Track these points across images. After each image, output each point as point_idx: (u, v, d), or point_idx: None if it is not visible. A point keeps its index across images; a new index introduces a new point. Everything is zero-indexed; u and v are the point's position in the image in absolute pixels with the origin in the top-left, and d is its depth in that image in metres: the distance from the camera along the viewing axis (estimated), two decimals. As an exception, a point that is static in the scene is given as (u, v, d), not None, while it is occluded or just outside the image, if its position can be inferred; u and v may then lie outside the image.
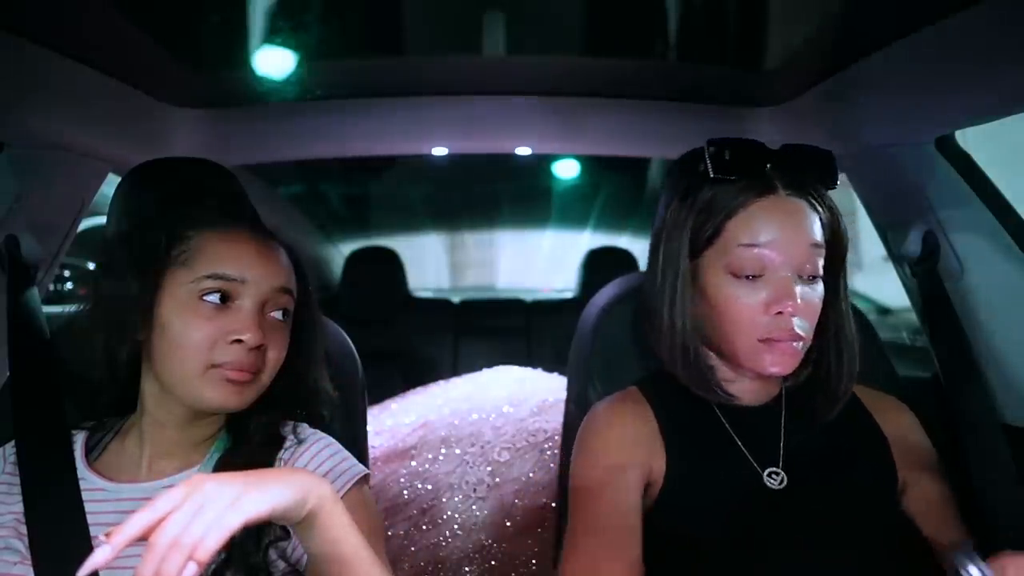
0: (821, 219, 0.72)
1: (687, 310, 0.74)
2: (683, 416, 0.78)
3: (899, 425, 0.79)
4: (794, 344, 0.70)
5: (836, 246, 0.74)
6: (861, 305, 1.26)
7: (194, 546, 0.45)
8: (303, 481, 0.53)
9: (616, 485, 0.73)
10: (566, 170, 2.46)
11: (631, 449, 0.75)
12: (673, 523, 0.73)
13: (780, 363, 0.70)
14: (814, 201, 0.72)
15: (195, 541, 0.45)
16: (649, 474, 0.75)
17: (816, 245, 0.70)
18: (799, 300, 0.69)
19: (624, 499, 0.72)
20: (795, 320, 0.69)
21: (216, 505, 0.47)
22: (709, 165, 0.72)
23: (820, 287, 0.72)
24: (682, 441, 0.76)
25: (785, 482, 0.73)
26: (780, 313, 0.69)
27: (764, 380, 0.78)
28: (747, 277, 0.70)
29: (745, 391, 0.78)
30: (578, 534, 0.73)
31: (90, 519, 0.67)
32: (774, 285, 0.70)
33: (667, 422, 0.77)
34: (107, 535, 0.45)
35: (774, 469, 0.74)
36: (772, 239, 0.69)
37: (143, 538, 0.45)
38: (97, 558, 0.44)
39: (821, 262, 0.71)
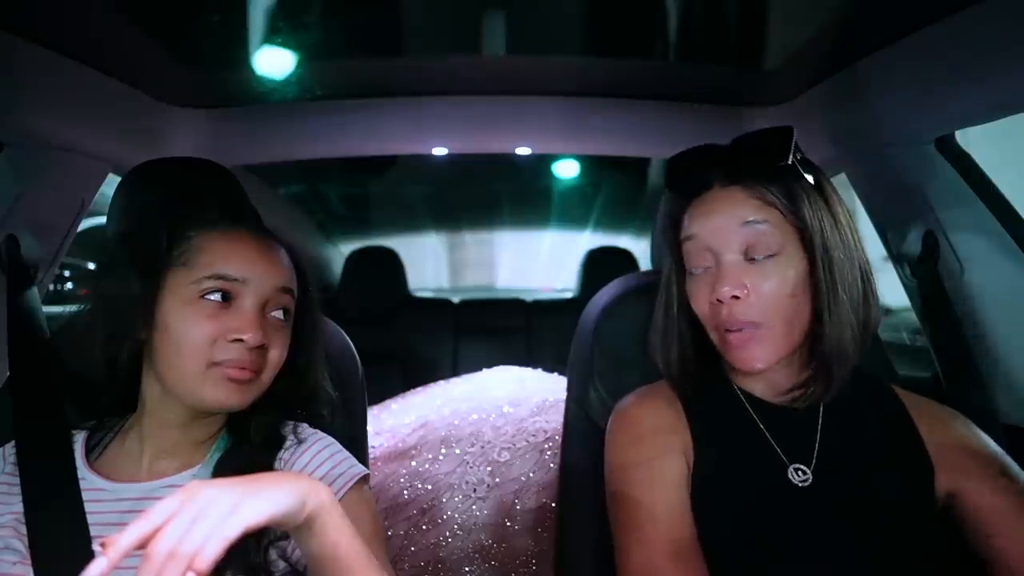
0: (764, 199, 0.70)
1: (671, 312, 0.79)
2: (712, 410, 0.77)
3: (947, 433, 0.75)
4: (747, 332, 0.69)
5: (798, 224, 0.70)
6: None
7: (192, 556, 0.45)
8: (301, 486, 0.53)
9: (655, 475, 0.72)
10: (566, 170, 2.45)
11: (666, 437, 0.75)
12: (699, 514, 0.71)
13: (743, 357, 0.71)
14: (754, 185, 0.71)
15: (193, 551, 0.45)
16: (685, 462, 0.74)
17: (750, 222, 0.69)
18: (743, 283, 0.69)
19: (666, 487, 0.71)
20: (739, 307, 0.69)
21: (214, 513, 0.47)
22: (666, 181, 0.79)
23: (785, 267, 0.69)
24: (711, 434, 0.75)
25: (811, 480, 0.71)
26: (721, 301, 0.70)
27: (780, 378, 0.76)
28: (697, 271, 0.74)
29: (770, 390, 0.77)
30: (627, 531, 0.71)
31: (90, 519, 0.67)
32: (717, 273, 0.71)
33: (696, 414, 0.76)
34: (103, 545, 0.44)
35: (800, 466, 0.72)
36: (703, 228, 0.72)
37: (141, 546, 0.45)
38: (93, 571, 0.43)
39: (769, 237, 0.69)
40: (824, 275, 0.69)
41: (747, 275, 0.69)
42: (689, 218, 0.74)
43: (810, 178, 0.72)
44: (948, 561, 0.69)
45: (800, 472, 0.72)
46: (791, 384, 0.75)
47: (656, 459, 0.73)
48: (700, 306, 0.74)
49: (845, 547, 0.68)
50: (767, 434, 0.74)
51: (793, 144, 0.71)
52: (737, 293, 0.69)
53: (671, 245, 0.78)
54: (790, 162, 0.71)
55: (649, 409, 0.78)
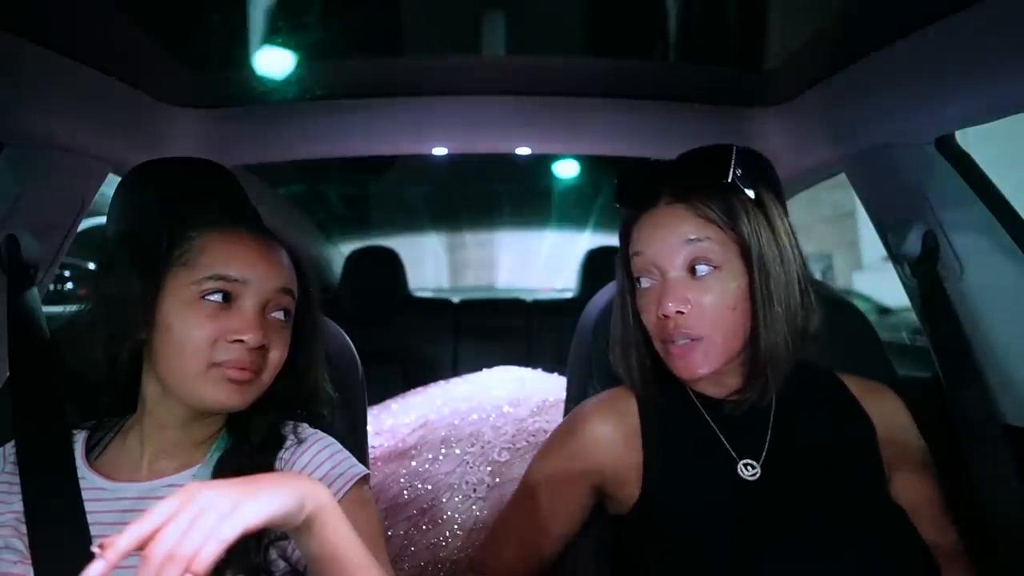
0: (706, 216, 0.73)
1: (628, 321, 0.81)
2: (667, 414, 0.80)
3: (884, 412, 0.80)
4: (687, 344, 0.73)
5: (738, 239, 0.73)
6: (861, 305, 1.26)
7: (191, 557, 0.45)
8: (300, 486, 0.53)
9: (564, 491, 0.79)
10: (566, 170, 2.44)
11: (598, 455, 0.79)
12: (654, 519, 0.74)
13: (684, 366, 0.74)
14: (696, 202, 0.74)
15: (192, 552, 0.45)
16: (617, 479, 0.78)
17: (691, 240, 0.73)
18: (686, 298, 0.72)
19: (563, 506, 0.79)
20: (683, 320, 0.72)
21: (212, 515, 0.47)
22: (614, 196, 0.82)
23: (726, 282, 0.72)
24: (663, 439, 0.78)
25: (759, 474, 0.74)
26: (666, 316, 0.73)
27: (729, 380, 0.79)
28: (645, 284, 0.76)
29: (721, 390, 0.80)
30: (504, 525, 0.80)
31: (90, 518, 0.67)
32: (663, 289, 0.74)
33: (650, 424, 0.80)
34: (101, 547, 0.44)
35: (749, 461, 0.75)
36: (649, 246, 0.75)
37: (140, 548, 0.45)
38: (92, 572, 0.43)
39: (711, 253, 0.72)
40: (761, 288, 0.72)
41: (690, 290, 0.73)
42: (637, 233, 0.77)
43: (751, 193, 0.75)
44: (902, 550, 0.70)
45: (749, 467, 0.75)
46: (739, 385, 0.78)
47: (574, 474, 0.79)
48: (648, 318, 0.77)
49: (796, 539, 0.69)
50: (718, 432, 0.77)
51: (733, 162, 0.73)
52: (681, 308, 0.72)
53: (623, 257, 0.81)
54: (730, 179, 0.73)
55: (603, 419, 0.81)
